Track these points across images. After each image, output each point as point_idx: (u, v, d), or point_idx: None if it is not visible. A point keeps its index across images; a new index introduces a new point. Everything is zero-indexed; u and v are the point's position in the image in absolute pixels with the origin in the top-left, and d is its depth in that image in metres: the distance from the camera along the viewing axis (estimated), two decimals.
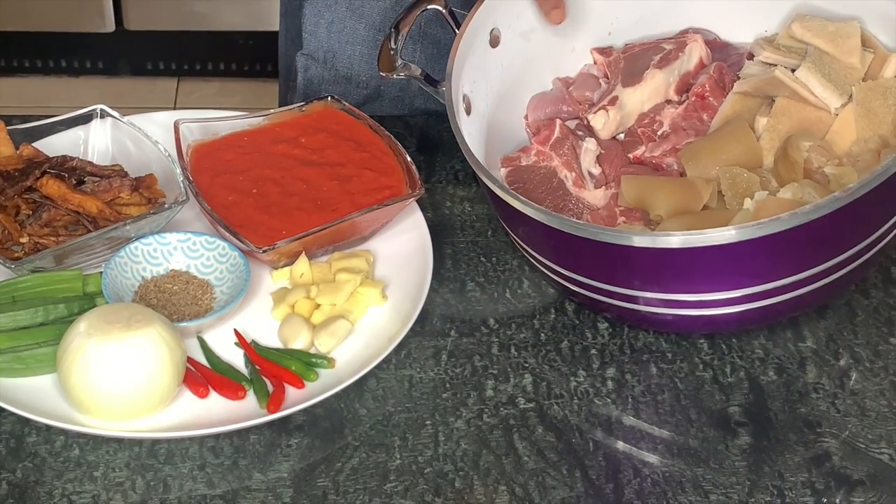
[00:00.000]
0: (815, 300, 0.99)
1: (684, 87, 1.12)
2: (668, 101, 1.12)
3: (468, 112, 1.04)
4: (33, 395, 0.93)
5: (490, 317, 1.03)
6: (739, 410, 0.96)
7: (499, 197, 0.96)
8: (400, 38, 1.06)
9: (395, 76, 1.07)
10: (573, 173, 1.07)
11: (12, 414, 0.92)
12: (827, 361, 1.00)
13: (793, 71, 1.05)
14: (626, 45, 1.15)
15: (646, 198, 1.03)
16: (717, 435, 0.94)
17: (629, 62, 1.12)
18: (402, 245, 1.06)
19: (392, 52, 1.06)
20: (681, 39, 1.13)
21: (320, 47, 1.26)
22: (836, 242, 0.93)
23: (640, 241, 0.91)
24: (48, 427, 0.92)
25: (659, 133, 1.10)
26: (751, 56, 1.11)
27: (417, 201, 1.07)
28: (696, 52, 1.12)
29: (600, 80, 1.14)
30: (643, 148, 1.09)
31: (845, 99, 1.04)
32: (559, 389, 0.97)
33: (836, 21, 1.07)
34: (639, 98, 1.11)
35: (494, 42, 1.09)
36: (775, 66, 1.07)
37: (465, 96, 1.04)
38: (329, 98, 1.13)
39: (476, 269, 1.07)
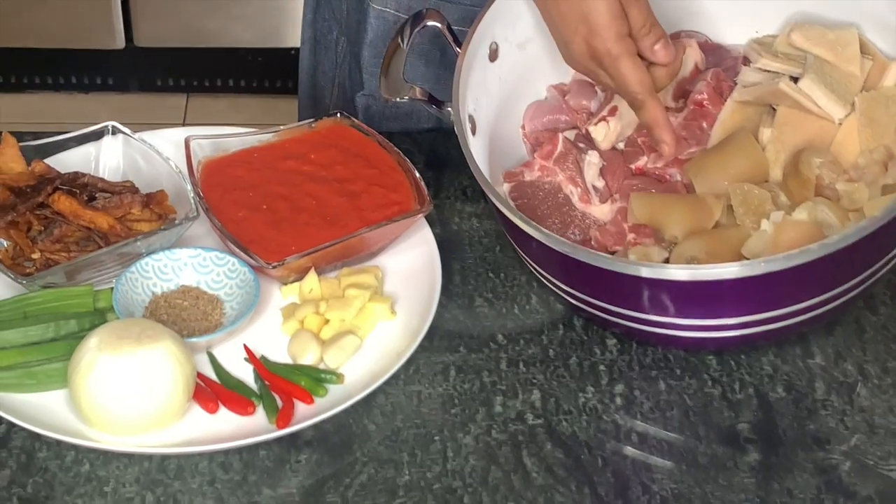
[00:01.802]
0: (823, 319, 0.99)
1: (680, 92, 1.12)
2: (666, 108, 1.12)
3: (474, 132, 1.05)
4: (44, 410, 0.93)
5: (498, 332, 1.03)
6: (748, 427, 0.96)
7: (508, 218, 0.96)
8: (404, 61, 1.07)
9: (397, 99, 1.07)
10: (579, 188, 1.07)
11: (23, 429, 0.92)
12: (835, 378, 1.00)
13: (794, 80, 1.05)
14: None
15: (657, 216, 1.03)
16: (725, 451, 0.94)
17: None
18: (411, 261, 1.06)
19: (394, 79, 1.06)
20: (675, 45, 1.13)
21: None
22: (853, 267, 0.94)
23: (680, 274, 0.92)
24: (59, 442, 0.92)
25: None
26: (746, 61, 1.12)
27: (426, 217, 1.08)
28: (691, 57, 1.12)
29: (595, 88, 1.14)
30: (645, 159, 1.09)
31: (848, 109, 1.04)
32: (568, 405, 0.97)
33: (835, 29, 1.07)
34: None
35: (493, 56, 1.09)
36: (775, 73, 1.07)
37: (470, 116, 1.05)
38: (338, 114, 1.13)
39: (484, 284, 1.07)
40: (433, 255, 1.06)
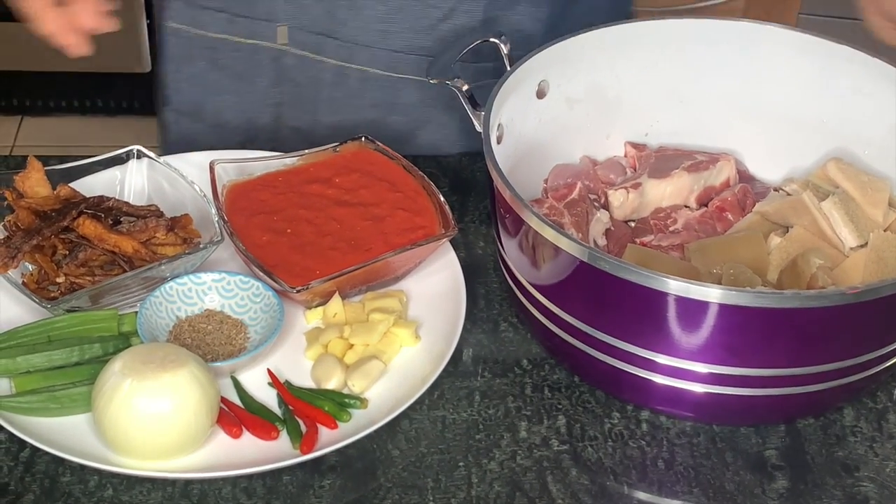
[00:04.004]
0: (841, 393, 0.96)
1: (706, 199, 1.13)
2: (687, 207, 1.12)
3: (499, 141, 1.04)
4: (68, 434, 0.93)
5: (523, 357, 1.02)
6: (776, 454, 0.95)
7: (521, 224, 0.94)
8: (454, 53, 1.07)
9: (439, 83, 1.07)
10: (580, 235, 1.06)
11: (47, 453, 0.92)
12: (865, 404, 0.99)
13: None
14: (661, 146, 1.16)
15: (648, 266, 1.01)
16: (753, 478, 0.93)
17: (660, 160, 1.14)
18: (436, 285, 1.06)
19: (443, 64, 1.07)
20: (714, 156, 1.14)
21: (185, 101, 1.28)
22: (877, 333, 0.92)
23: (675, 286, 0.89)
24: (82, 467, 0.92)
25: (670, 229, 1.10)
26: (777, 189, 1.13)
27: (450, 241, 1.07)
28: (726, 170, 1.13)
29: (627, 170, 1.15)
30: (651, 237, 1.09)
31: (861, 242, 1.03)
32: (593, 431, 0.97)
33: (869, 174, 1.09)
34: (661, 192, 1.12)
35: (541, 94, 1.10)
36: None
37: (500, 125, 1.04)
38: (363, 138, 1.14)
39: (509, 309, 1.06)
40: (458, 279, 1.05)
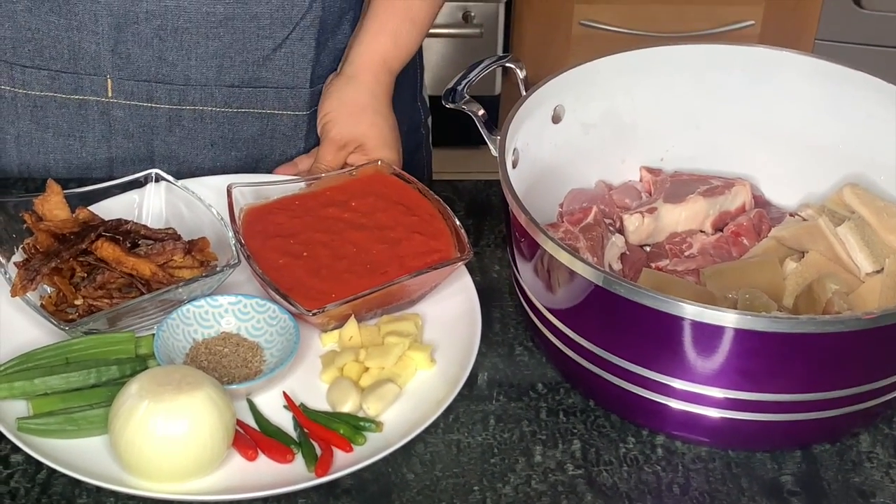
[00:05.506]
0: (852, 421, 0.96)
1: (721, 223, 1.13)
2: (702, 232, 1.13)
3: (514, 165, 1.05)
4: (84, 456, 0.93)
5: (538, 381, 1.02)
6: (792, 479, 0.95)
7: (537, 248, 0.95)
8: (470, 77, 1.08)
9: (456, 107, 1.07)
10: (595, 259, 1.06)
11: (63, 475, 0.93)
12: (881, 430, 0.99)
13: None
14: (676, 171, 1.17)
15: (663, 290, 1.01)
16: None
17: (675, 185, 1.14)
18: (451, 308, 1.06)
19: (459, 88, 1.07)
20: (730, 181, 1.15)
21: (12, 162, 1.27)
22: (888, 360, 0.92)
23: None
24: (98, 489, 0.93)
25: (686, 253, 1.10)
26: (792, 215, 1.13)
27: (466, 265, 1.08)
28: (741, 195, 1.14)
29: (642, 194, 1.15)
30: (667, 261, 1.10)
31: (878, 267, 1.03)
32: (608, 456, 0.96)
33: (885, 199, 1.09)
34: (676, 217, 1.12)
35: (556, 119, 1.10)
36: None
37: (515, 149, 1.05)
38: (379, 162, 1.14)
39: (524, 333, 1.06)
40: (473, 302, 1.06)
